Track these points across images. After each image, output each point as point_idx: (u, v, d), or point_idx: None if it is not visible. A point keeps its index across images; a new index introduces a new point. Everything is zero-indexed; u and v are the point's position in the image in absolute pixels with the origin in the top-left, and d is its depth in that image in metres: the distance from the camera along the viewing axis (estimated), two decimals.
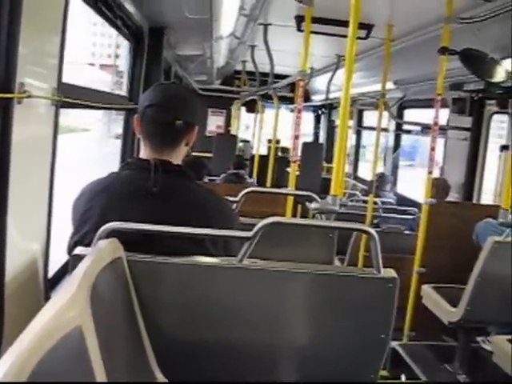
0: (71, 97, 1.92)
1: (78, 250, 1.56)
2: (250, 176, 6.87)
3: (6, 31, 1.41)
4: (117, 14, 2.96)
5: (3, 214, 1.47)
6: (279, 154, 9.41)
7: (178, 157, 1.86)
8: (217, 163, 7.74)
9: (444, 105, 4.41)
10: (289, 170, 6.62)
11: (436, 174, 4.83)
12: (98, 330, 1.14)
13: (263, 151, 8.79)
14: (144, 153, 1.84)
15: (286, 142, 10.58)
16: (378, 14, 4.11)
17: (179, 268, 1.62)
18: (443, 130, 5.27)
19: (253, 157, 7.92)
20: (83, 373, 1.04)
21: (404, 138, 7.77)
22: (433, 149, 3.76)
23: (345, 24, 2.61)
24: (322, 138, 11.19)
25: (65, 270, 2.23)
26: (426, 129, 5.88)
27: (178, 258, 1.63)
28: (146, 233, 1.62)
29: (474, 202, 5.06)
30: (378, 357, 1.74)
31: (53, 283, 2.06)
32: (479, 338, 3.63)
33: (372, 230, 1.68)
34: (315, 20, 3.55)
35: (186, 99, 1.89)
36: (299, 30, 4.30)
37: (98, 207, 1.72)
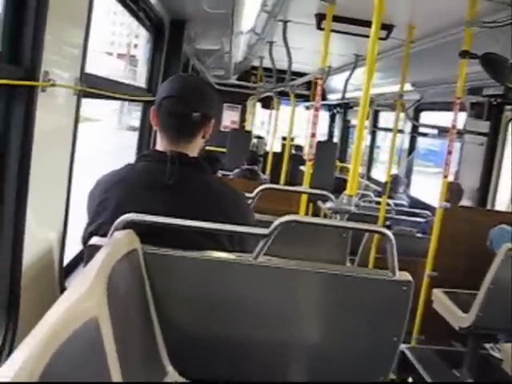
0: (93, 87, 1.93)
1: (94, 241, 1.56)
2: (263, 172, 6.87)
3: (33, 21, 1.42)
4: (140, 5, 2.97)
5: (24, 201, 1.48)
6: (293, 151, 9.40)
7: (194, 149, 1.85)
8: (231, 158, 7.74)
9: (461, 109, 4.38)
10: (302, 168, 6.62)
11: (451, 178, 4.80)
12: (113, 321, 1.14)
13: (277, 148, 8.77)
14: (160, 145, 1.84)
15: (299, 140, 10.56)
16: (399, 15, 4.09)
17: (194, 262, 1.62)
18: (460, 134, 5.23)
19: (266, 153, 7.91)
20: (98, 364, 1.04)
21: (436, 142, 7.69)
22: (449, 152, 3.73)
23: (365, 24, 2.60)
24: (335, 137, 11.18)
25: (79, 260, 2.25)
26: (442, 132, 5.84)
27: (193, 251, 1.63)
28: (163, 225, 1.62)
29: (489, 207, 5.03)
30: (388, 359, 1.73)
31: (67, 272, 2.07)
32: (488, 345, 3.61)
33: (389, 232, 1.67)
34: (336, 18, 3.54)
35: (203, 91, 1.88)
36: (319, 27, 4.28)
37: (114, 198, 1.72)
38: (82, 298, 1.04)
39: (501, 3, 3.29)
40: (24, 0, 1.45)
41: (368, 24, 2.49)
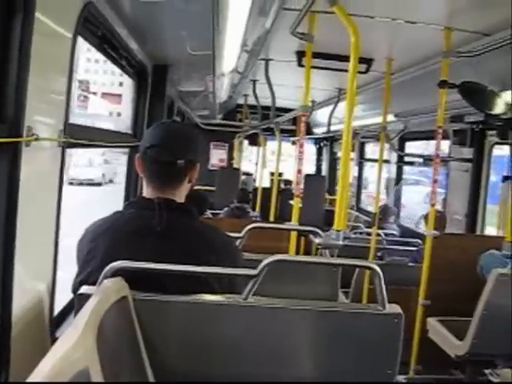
0: (76, 137, 1.95)
1: (84, 289, 1.55)
2: (254, 209, 6.87)
3: (16, 76, 1.44)
4: (122, 54, 3.01)
5: (11, 254, 1.49)
6: (282, 186, 9.43)
7: (181, 195, 1.87)
8: (220, 196, 7.75)
9: (445, 136, 4.43)
10: (292, 202, 6.64)
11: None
12: (104, 370, 1.14)
13: (266, 184, 8.81)
14: (147, 192, 1.85)
15: (288, 174, 10.61)
16: (377, 49, 4.18)
17: (185, 306, 1.62)
18: (445, 161, 5.29)
19: (256, 189, 7.93)
20: None
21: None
22: (435, 181, 3.77)
23: (345, 59, 2.65)
24: (324, 170, 11.23)
25: (70, 309, 2.24)
26: (427, 161, 5.90)
27: (183, 296, 1.63)
28: (152, 271, 1.62)
29: (478, 233, 5.06)
30: None
31: (58, 322, 2.06)
32: (487, 371, 3.59)
33: (376, 267, 1.69)
34: (316, 55, 3.60)
35: (186, 137, 1.90)
36: (300, 65, 4.36)
37: (102, 246, 1.72)
38: (71, 350, 1.04)
39: (475, 33, 3.37)
40: (5, 54, 1.48)
41: (347, 59, 2.54)
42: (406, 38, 3.77)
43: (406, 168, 7.74)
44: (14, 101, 1.44)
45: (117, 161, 23.36)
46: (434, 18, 3.25)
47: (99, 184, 24.03)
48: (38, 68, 1.55)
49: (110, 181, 24.86)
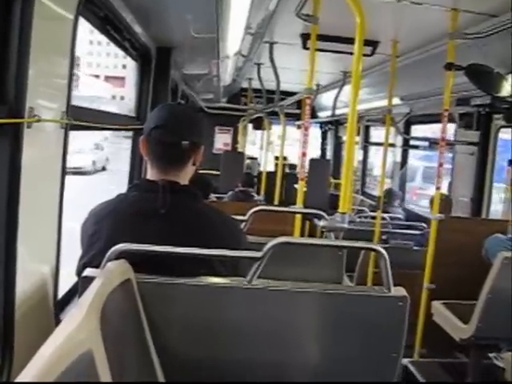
0: (80, 119, 1.94)
1: (88, 272, 1.55)
2: (258, 193, 6.86)
3: (16, 57, 1.43)
4: (125, 36, 2.99)
5: (13, 237, 1.48)
6: (287, 170, 9.41)
7: (185, 177, 1.87)
8: (224, 180, 7.74)
9: (450, 120, 4.40)
10: (297, 186, 6.62)
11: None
12: (108, 352, 1.14)
13: (271, 168, 8.79)
14: (151, 174, 1.85)
15: (292, 158, 10.59)
16: (383, 31, 4.14)
17: (189, 289, 1.62)
18: (450, 145, 5.26)
19: (260, 173, 7.92)
20: None
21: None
22: (441, 165, 3.75)
23: (350, 41, 2.62)
24: (328, 154, 11.21)
25: (74, 292, 2.24)
26: (433, 144, 5.87)
27: (186, 278, 1.63)
28: (155, 254, 1.62)
29: (483, 217, 5.04)
30: (389, 375, 1.72)
31: (62, 305, 2.06)
32: (491, 355, 3.59)
33: (381, 249, 1.68)
34: (320, 38, 3.57)
35: (190, 119, 1.90)
36: (305, 47, 4.33)
37: (106, 229, 1.72)
38: (75, 332, 1.04)
39: (482, 14, 3.33)
40: (6, 36, 1.47)
41: (352, 41, 2.52)
42: (412, 20, 3.73)
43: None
44: (15, 82, 1.43)
45: (113, 145, 21.69)
46: None
47: (88, 173, 20.75)
48: (40, 49, 1.54)
49: (103, 168, 23.00)
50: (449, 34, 3.51)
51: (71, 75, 1.80)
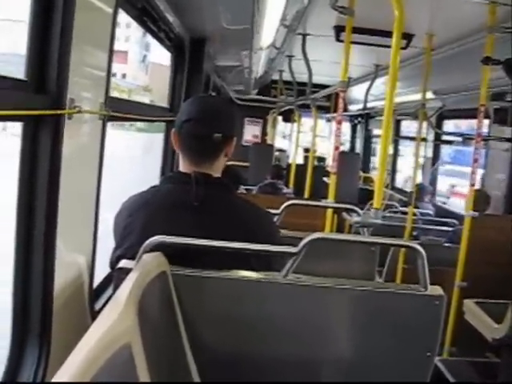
0: (116, 110, 1.94)
1: (123, 263, 1.56)
2: (287, 185, 6.84)
3: (58, 48, 1.43)
4: (160, 26, 3.00)
5: (53, 228, 1.49)
6: (315, 163, 9.39)
7: (217, 169, 1.86)
8: (253, 173, 7.75)
9: (485, 115, 4.33)
10: (325, 179, 6.58)
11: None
12: (145, 346, 1.14)
13: (299, 160, 8.76)
14: (183, 166, 1.84)
15: (320, 151, 10.55)
16: (418, 24, 4.07)
17: (223, 282, 1.62)
18: (484, 140, 5.18)
19: (289, 166, 7.89)
20: None
21: None
22: (475, 160, 3.69)
23: (384, 34, 2.59)
24: (357, 148, 11.14)
25: (107, 283, 2.26)
26: (467, 140, 5.78)
27: (221, 271, 1.63)
28: (191, 247, 1.61)
29: None
30: (423, 375, 1.71)
31: (96, 295, 2.08)
32: None
33: (419, 247, 1.65)
34: (355, 30, 3.53)
35: (223, 111, 1.88)
36: (338, 39, 4.29)
37: (140, 221, 1.73)
38: (114, 325, 1.04)
39: None
40: (48, 28, 1.48)
41: (387, 34, 2.48)
42: (448, 13, 3.67)
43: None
44: (57, 73, 1.44)
45: None
46: None
47: None
48: (80, 41, 1.54)
49: None
50: (487, 28, 3.44)
51: (110, 67, 1.81)
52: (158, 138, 4.07)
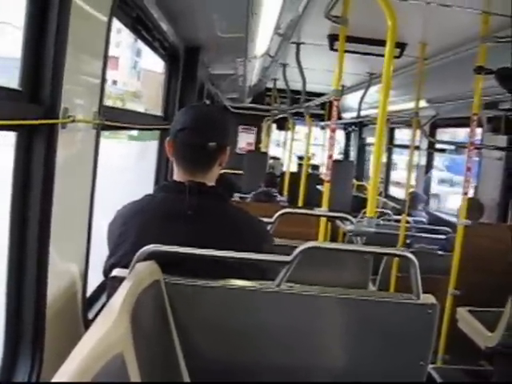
0: (109, 119, 1.95)
1: (116, 272, 1.55)
2: (281, 193, 6.84)
3: (52, 58, 1.44)
4: (155, 35, 3.01)
5: (47, 236, 1.49)
6: (309, 170, 9.39)
7: (212, 178, 1.86)
8: (247, 180, 7.74)
9: (478, 124, 4.35)
10: (319, 187, 6.59)
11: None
12: (137, 355, 1.14)
13: (293, 168, 8.77)
14: (177, 175, 1.84)
15: (316, 159, 10.57)
16: (411, 33, 4.10)
17: (216, 291, 1.62)
18: (477, 149, 5.20)
19: (283, 174, 7.90)
20: None
21: None
22: (469, 169, 3.71)
23: (378, 43, 2.60)
24: (351, 156, 11.16)
25: (100, 291, 2.25)
26: (460, 148, 5.81)
27: (214, 280, 1.63)
28: (183, 256, 1.61)
29: (510, 222, 4.97)
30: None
31: (89, 304, 2.07)
32: None
33: (412, 256, 1.66)
34: (348, 39, 3.55)
35: (217, 121, 1.89)
36: (332, 48, 4.30)
37: (134, 230, 1.73)
38: (107, 333, 1.04)
39: None
40: (42, 37, 1.48)
41: (381, 43, 2.49)
42: (441, 23, 3.69)
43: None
44: (51, 83, 1.44)
45: None
46: (471, 1, 3.17)
47: None
48: (75, 50, 1.55)
49: None
50: (480, 38, 3.46)
51: (104, 76, 1.81)
52: (151, 147, 4.06)
